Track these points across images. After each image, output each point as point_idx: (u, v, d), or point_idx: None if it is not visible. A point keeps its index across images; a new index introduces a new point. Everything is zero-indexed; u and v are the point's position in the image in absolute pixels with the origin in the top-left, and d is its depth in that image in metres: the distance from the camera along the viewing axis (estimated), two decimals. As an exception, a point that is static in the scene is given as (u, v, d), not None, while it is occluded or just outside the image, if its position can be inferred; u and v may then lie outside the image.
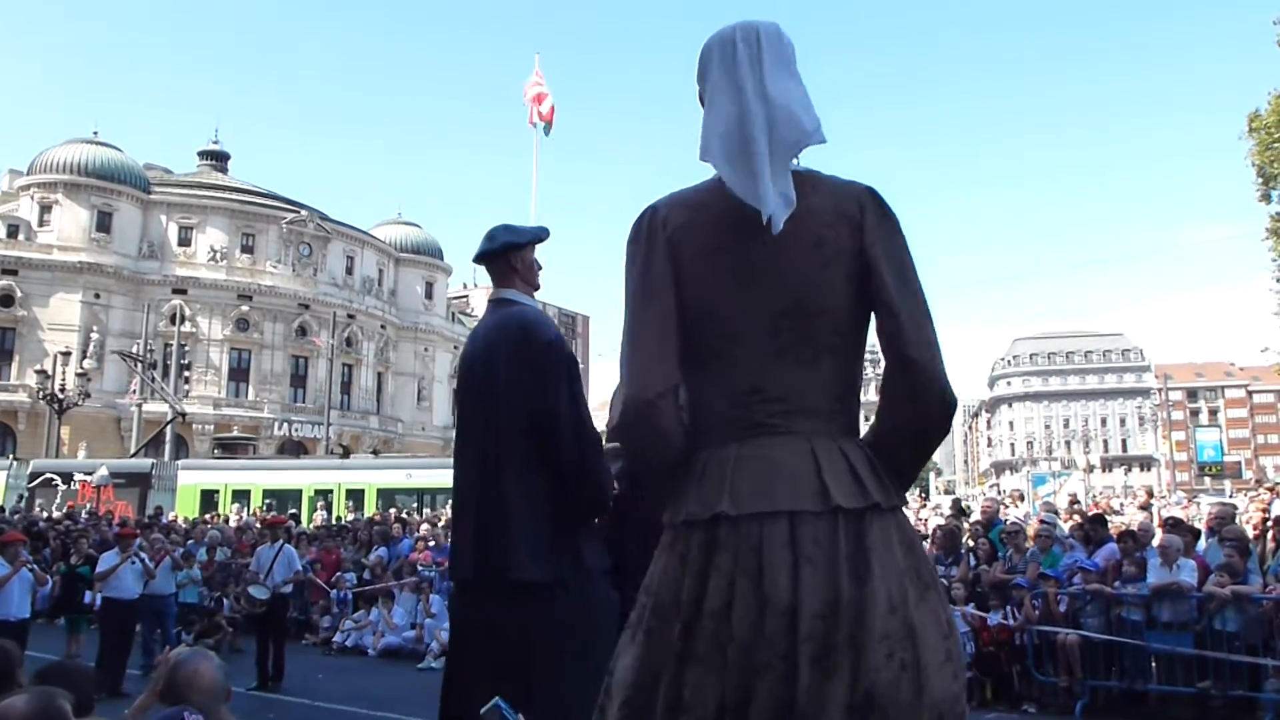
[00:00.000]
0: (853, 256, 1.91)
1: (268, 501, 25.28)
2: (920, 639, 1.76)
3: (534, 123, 24.54)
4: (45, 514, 22.44)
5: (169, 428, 37.69)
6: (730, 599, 1.77)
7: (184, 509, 24.92)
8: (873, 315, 1.96)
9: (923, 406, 1.92)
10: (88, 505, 24.26)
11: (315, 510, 24.58)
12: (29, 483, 27.72)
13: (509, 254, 3.36)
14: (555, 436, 3.16)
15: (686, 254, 1.95)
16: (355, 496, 26.00)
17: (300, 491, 26.82)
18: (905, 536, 1.87)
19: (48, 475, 27.86)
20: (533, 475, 3.21)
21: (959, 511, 16.15)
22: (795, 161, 1.97)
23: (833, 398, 1.93)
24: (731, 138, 1.93)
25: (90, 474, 27.32)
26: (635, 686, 1.84)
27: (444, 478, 26.70)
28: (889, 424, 1.96)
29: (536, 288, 3.43)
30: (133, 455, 34.89)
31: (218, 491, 27.02)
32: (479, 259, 3.42)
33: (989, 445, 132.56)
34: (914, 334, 1.89)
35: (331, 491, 26.67)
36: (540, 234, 3.43)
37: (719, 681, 1.74)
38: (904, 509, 1.95)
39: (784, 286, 1.90)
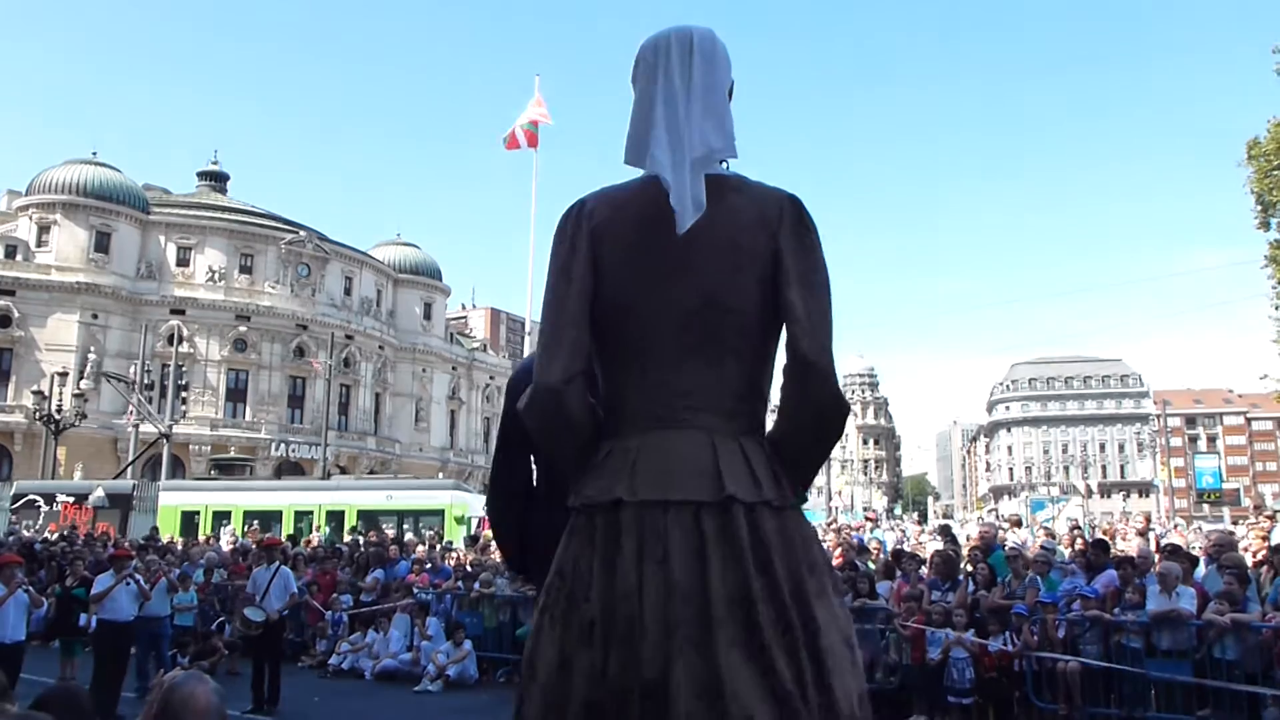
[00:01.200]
0: (767, 262, 1.97)
1: (252, 522, 25.30)
2: (823, 630, 1.85)
3: (520, 145, 23.55)
4: (31, 535, 22.42)
5: (164, 449, 37.61)
6: (640, 583, 1.83)
7: (165, 530, 24.86)
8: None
9: (816, 407, 1.98)
10: (69, 525, 24.27)
11: (312, 530, 24.53)
12: (12, 504, 27.71)
13: None
14: None
15: (607, 249, 2.01)
16: (335, 518, 26.00)
17: (281, 513, 26.82)
18: (802, 533, 1.96)
19: (30, 497, 27.89)
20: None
21: (947, 536, 16.26)
22: (724, 166, 2.05)
23: (737, 396, 1.99)
24: (658, 140, 1.99)
25: (72, 495, 27.36)
26: (557, 667, 1.89)
27: (424, 499, 26.84)
28: (786, 423, 2.02)
29: None
30: (116, 477, 34.88)
31: (198, 513, 27.01)
32: None
33: (987, 470, 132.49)
34: (812, 337, 1.94)
35: (312, 513, 26.67)
36: None
37: (636, 661, 1.80)
38: (798, 509, 2.01)
39: (696, 285, 1.96)
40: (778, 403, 2.06)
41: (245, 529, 24.37)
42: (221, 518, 26.52)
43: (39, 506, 27.05)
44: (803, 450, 2.04)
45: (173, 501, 27.65)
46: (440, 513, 25.10)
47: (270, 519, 26.02)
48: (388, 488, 28.94)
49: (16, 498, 28.15)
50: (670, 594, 1.81)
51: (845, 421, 2.03)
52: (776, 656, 1.79)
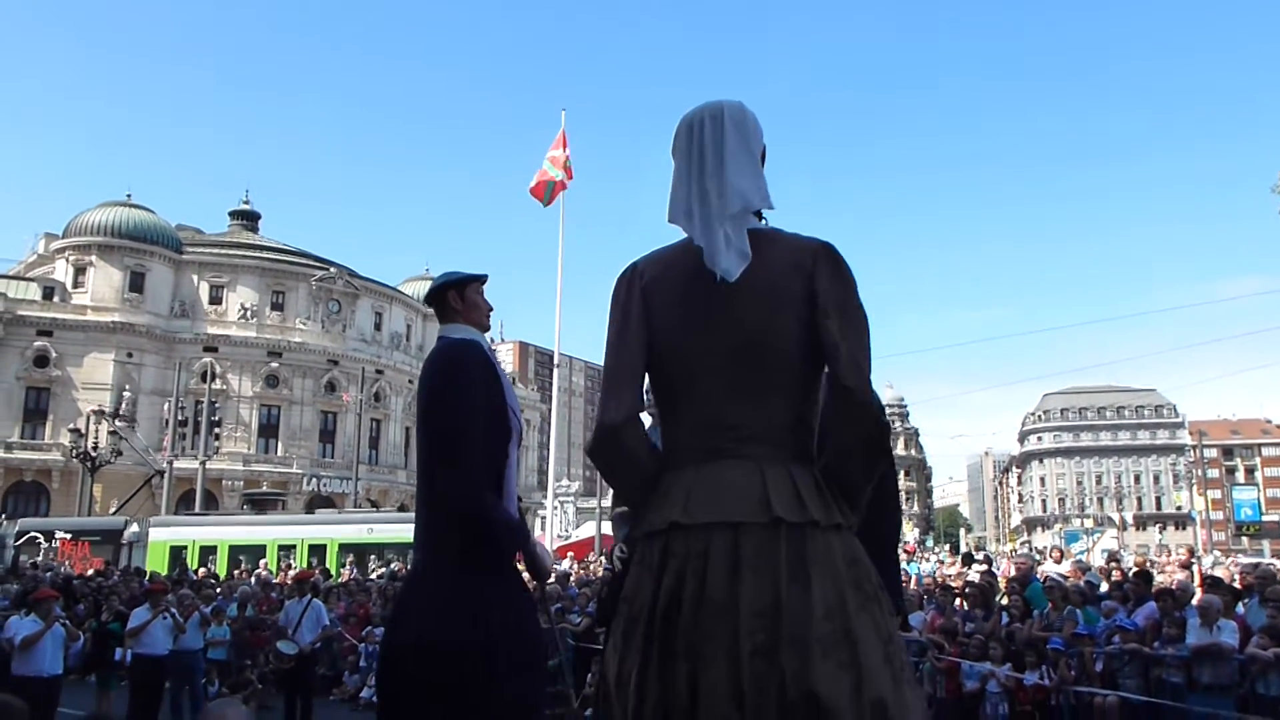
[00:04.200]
0: (804, 302, 2.15)
1: (240, 557, 25.67)
2: (859, 643, 1.95)
3: (549, 197, 23.05)
4: (68, 570, 22.98)
5: (199, 484, 38.03)
6: (679, 599, 2.01)
7: (154, 565, 25.22)
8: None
9: (858, 429, 2.13)
10: (67, 560, 24.93)
11: (343, 565, 24.63)
12: (16, 540, 28.33)
13: (446, 293, 3.39)
14: (444, 463, 3.03)
15: (657, 303, 2.25)
16: (318, 551, 26.20)
17: (265, 547, 27.01)
18: (849, 552, 2.08)
19: (31, 534, 28.57)
20: (434, 515, 3.10)
21: (967, 562, 16.31)
22: (763, 221, 2.28)
23: (783, 427, 2.16)
24: (694, 203, 2.23)
25: (69, 532, 28.16)
26: (618, 683, 2.07)
27: (404, 532, 26.82)
28: (832, 447, 2.17)
29: (483, 327, 3.41)
30: (117, 511, 35.45)
31: (186, 548, 27.31)
32: (426, 301, 3.54)
33: (1020, 501, 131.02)
34: (850, 365, 2.10)
35: (295, 547, 26.88)
36: (478, 276, 3.47)
37: (674, 674, 1.96)
38: (848, 528, 2.13)
39: (738, 329, 2.16)
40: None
41: (229, 563, 24.96)
42: (208, 552, 26.92)
43: (39, 543, 27.67)
44: (851, 473, 2.16)
45: (162, 537, 28.00)
46: None
47: (254, 553, 26.31)
48: (369, 521, 29.10)
49: (20, 534, 28.89)
50: (701, 608, 1.97)
51: (888, 442, 2.19)
52: (792, 670, 1.90)
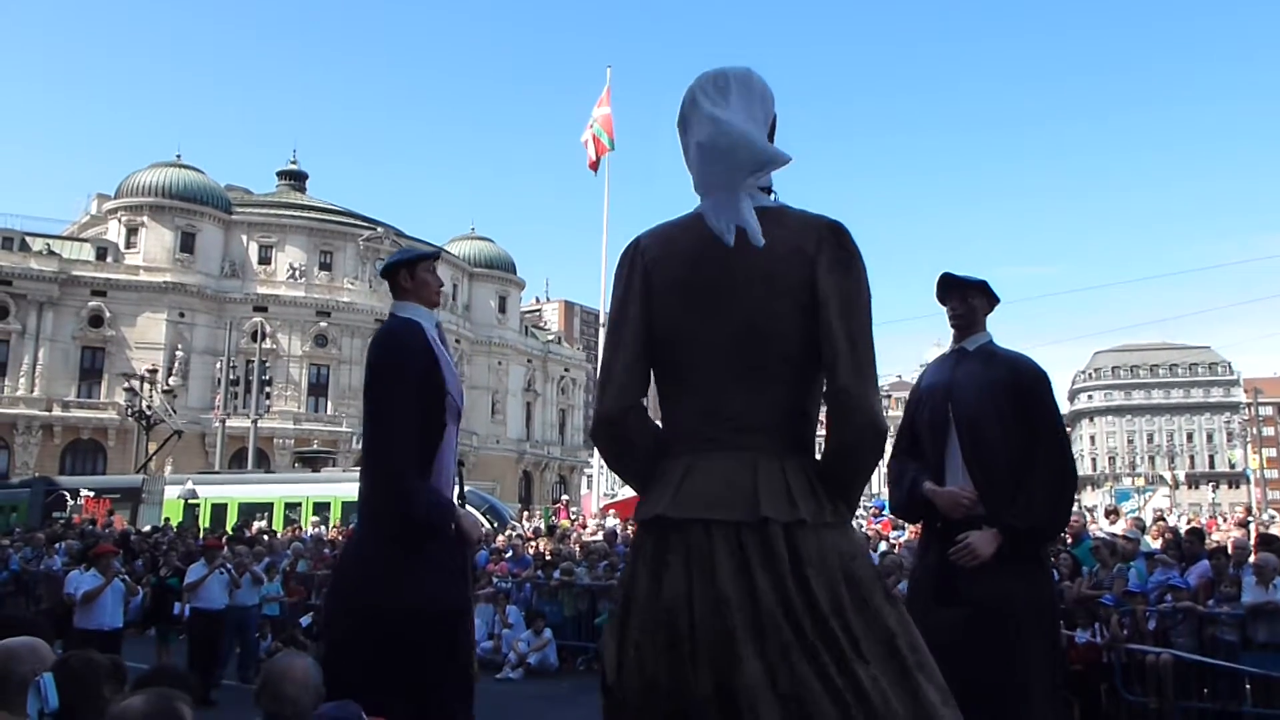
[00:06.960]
0: (805, 288, 2.06)
1: (261, 514, 26.38)
2: (862, 640, 1.93)
3: (593, 165, 23.65)
4: (126, 526, 23.73)
5: (251, 443, 38.62)
6: (689, 597, 1.97)
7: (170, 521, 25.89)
8: None
9: (852, 433, 2.06)
10: (91, 517, 25.67)
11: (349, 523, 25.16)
12: (45, 498, 29.26)
13: (397, 271, 3.53)
14: (371, 447, 3.35)
15: (657, 284, 2.17)
16: (322, 509, 26.75)
17: (272, 505, 27.75)
18: (841, 549, 2.02)
19: (59, 493, 29.49)
20: (369, 489, 3.38)
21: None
22: (772, 197, 2.17)
23: (780, 419, 2.10)
24: (697, 169, 2.13)
25: (93, 490, 29.05)
26: (615, 671, 2.07)
27: None
28: (828, 446, 2.11)
29: (432, 304, 3.54)
30: (139, 470, 36.29)
31: (199, 505, 28.05)
32: (382, 276, 3.65)
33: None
34: (848, 364, 2.02)
35: (301, 504, 27.44)
36: (429, 253, 3.64)
37: (690, 669, 1.94)
38: (838, 525, 2.07)
39: (737, 315, 2.08)
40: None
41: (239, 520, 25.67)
42: (220, 510, 27.71)
43: (67, 501, 28.57)
44: (844, 472, 2.12)
45: (176, 495, 28.73)
46: None
47: (263, 511, 26.98)
48: None
49: (48, 493, 29.87)
50: (720, 606, 1.93)
51: (884, 445, 2.10)
52: (827, 663, 1.88)
